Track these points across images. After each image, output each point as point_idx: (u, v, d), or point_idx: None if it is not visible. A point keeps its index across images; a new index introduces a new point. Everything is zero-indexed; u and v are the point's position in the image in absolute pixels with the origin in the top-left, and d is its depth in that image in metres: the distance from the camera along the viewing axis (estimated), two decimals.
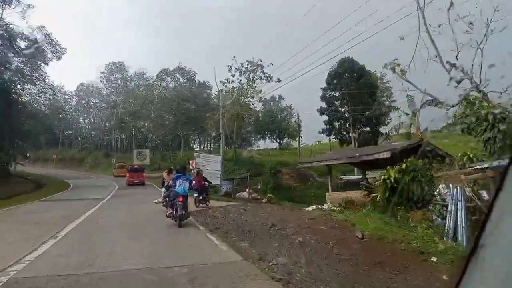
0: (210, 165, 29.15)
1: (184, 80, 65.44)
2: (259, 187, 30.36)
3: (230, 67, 45.41)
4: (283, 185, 37.97)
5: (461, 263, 0.83)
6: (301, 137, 60.89)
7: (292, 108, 76.34)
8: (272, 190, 33.08)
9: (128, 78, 77.42)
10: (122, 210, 15.49)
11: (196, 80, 65.74)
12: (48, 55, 35.18)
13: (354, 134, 47.77)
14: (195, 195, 17.65)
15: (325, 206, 15.67)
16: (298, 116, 59.19)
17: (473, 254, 0.74)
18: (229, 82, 46.56)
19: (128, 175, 37.70)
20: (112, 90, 79.77)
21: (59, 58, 36.66)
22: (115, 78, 77.99)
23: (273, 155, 57.03)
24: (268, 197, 28.63)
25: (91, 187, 30.55)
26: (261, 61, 45.42)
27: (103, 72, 76.21)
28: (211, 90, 66.01)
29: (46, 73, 40.02)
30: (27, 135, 41.73)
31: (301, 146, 77.88)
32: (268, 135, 78.00)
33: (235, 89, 45.49)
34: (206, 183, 19.28)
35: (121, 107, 75.36)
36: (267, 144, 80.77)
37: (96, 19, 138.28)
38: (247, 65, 45.31)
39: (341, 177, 42.16)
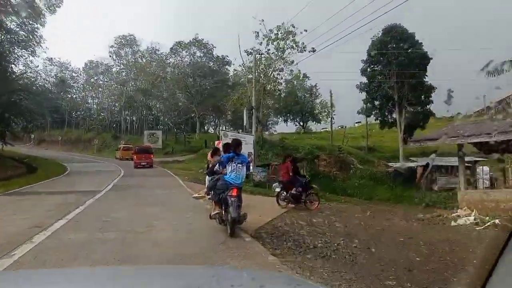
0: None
1: (201, 54, 58.80)
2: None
3: (257, 33, 38.66)
4: (321, 173, 31.59)
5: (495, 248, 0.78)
6: (333, 119, 53.90)
7: (317, 88, 69.56)
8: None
9: (140, 54, 70.96)
10: (121, 225, 7.79)
11: (214, 54, 59.00)
12: (40, 5, 28.68)
13: (398, 116, 40.75)
14: (277, 189, 13.21)
15: (471, 217, 9.01)
16: (331, 94, 52.16)
17: (509, 241, 0.72)
18: (256, 52, 39.87)
19: (135, 156, 33.65)
20: (122, 67, 73.50)
21: (53, 11, 30.28)
22: (125, 53, 71.56)
23: (300, 138, 50.52)
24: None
25: (90, 173, 24.48)
26: (293, 27, 38.52)
27: (112, 46, 69.82)
28: (230, 66, 59.32)
29: (42, 36, 33.67)
30: (23, 112, 35.97)
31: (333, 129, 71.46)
32: (291, 117, 71.52)
33: (263, 59, 38.71)
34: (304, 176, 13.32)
35: (131, 84, 69.23)
36: (288, 127, 74.21)
37: None
38: (277, 31, 38.47)
39: (390, 164, 35.52)
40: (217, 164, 8.20)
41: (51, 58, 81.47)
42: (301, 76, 67.61)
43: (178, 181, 19.34)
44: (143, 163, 32.51)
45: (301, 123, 71.60)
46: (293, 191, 11.73)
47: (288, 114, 70.00)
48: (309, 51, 37.53)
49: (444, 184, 30.14)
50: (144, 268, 2.77)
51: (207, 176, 10.56)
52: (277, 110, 64.90)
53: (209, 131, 78.60)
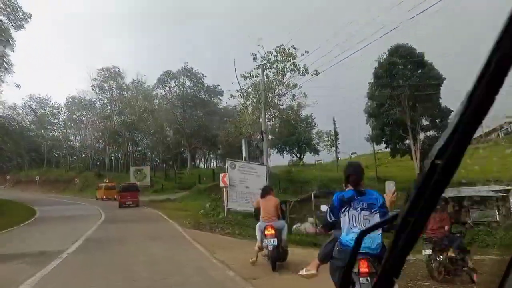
0: (250, 180, 18.37)
1: (191, 84, 55.10)
2: (322, 209, 19.38)
3: (255, 55, 35.20)
4: None
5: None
6: (338, 148, 50.09)
7: (313, 118, 66.38)
8: None
9: (124, 87, 67.05)
10: None
11: (205, 83, 55.36)
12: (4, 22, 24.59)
13: (412, 142, 37.05)
14: (427, 251, 7.33)
15: None
16: (334, 122, 48.62)
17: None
18: (266, 61, 36.19)
19: (119, 195, 30.98)
20: (106, 101, 69.26)
21: (19, 27, 26.20)
22: (109, 86, 67.50)
23: (301, 171, 46.33)
24: None
25: (62, 220, 19.50)
26: (294, 48, 35.21)
27: (95, 79, 65.75)
28: (222, 96, 55.65)
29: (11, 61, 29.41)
30: None
31: (318, 162, 67.46)
32: (287, 149, 67.68)
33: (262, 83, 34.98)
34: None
35: (116, 119, 64.74)
36: (282, 159, 70.03)
37: (89, 23, 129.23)
38: (277, 53, 35.08)
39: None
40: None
41: (30, 94, 77.48)
42: (295, 106, 64.24)
43: (176, 228, 14.65)
44: (129, 202, 29.97)
45: (298, 155, 67.62)
46: (450, 253, 6.84)
47: (284, 146, 66.28)
48: (311, 74, 34.18)
49: (478, 218, 26.04)
50: None
51: (257, 227, 8.06)
52: (271, 141, 60.92)
53: (199, 166, 73.91)
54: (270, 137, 42.85)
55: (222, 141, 53.91)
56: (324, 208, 18.86)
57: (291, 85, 35.30)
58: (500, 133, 44.57)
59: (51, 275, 7.07)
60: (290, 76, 35.88)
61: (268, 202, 7.99)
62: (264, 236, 7.62)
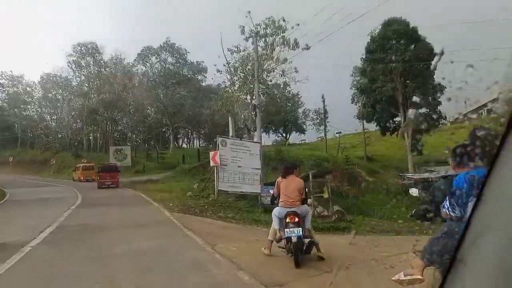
0: (243, 158, 16.82)
1: (173, 60, 52.59)
2: (325, 195, 17.94)
3: (243, 28, 33.11)
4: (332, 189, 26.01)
5: (440, 278, 0.75)
6: (327, 127, 48.85)
7: (300, 96, 64.89)
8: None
9: (103, 64, 63.74)
10: None
11: (188, 60, 52.92)
12: None
13: (403, 120, 36.01)
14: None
15: None
16: (323, 99, 47.22)
17: (450, 270, 0.68)
18: (256, 35, 34.23)
19: (98, 176, 29.33)
20: (83, 78, 65.90)
21: None
22: (86, 62, 64.13)
23: (289, 150, 44.94)
24: (337, 211, 16.91)
25: (34, 202, 17.58)
26: (284, 21, 33.26)
27: (71, 55, 62.29)
28: (206, 73, 53.41)
29: None
30: None
31: (313, 141, 66.35)
32: (273, 128, 66.15)
33: (251, 57, 33.12)
34: None
35: (94, 97, 61.70)
36: (265, 139, 68.54)
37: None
38: (266, 26, 33.08)
39: (409, 175, 30.30)
40: (448, 202, 2.44)
41: (1, 71, 73.37)
42: (282, 85, 62.65)
43: (162, 212, 12.93)
44: (108, 183, 28.51)
45: (284, 134, 66.29)
46: None
47: (269, 125, 64.74)
48: (302, 49, 32.49)
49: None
50: None
51: (275, 213, 6.61)
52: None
53: (182, 146, 71.81)
54: (251, 117, 41.21)
55: (207, 119, 52.08)
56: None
57: (281, 59, 33.58)
58: (483, 112, 44.06)
59: (4, 277, 5.40)
60: (280, 51, 34.21)
61: (290, 183, 6.48)
62: (284, 224, 6.13)
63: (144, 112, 56.55)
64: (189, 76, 52.84)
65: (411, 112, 35.61)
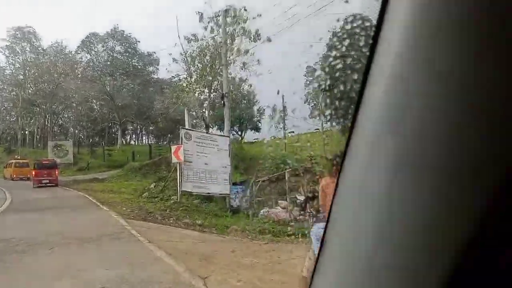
0: (210, 154, 14.61)
1: (122, 50, 48.60)
2: (299, 196, 16.10)
3: (201, 14, 30.65)
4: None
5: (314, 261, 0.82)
6: (285, 125, 47.20)
7: (255, 93, 63.29)
8: None
9: (41, 51, 57.89)
10: None
11: (138, 50, 49.14)
12: None
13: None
14: None
15: None
16: (283, 96, 45.55)
17: (326, 228, 0.72)
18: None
19: (33, 173, 25.90)
20: (18, 66, 59.50)
21: None
22: (22, 49, 57.93)
23: (250, 148, 43.06)
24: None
25: None
26: (246, 10, 31.27)
27: (4, 39, 55.90)
28: (158, 65, 49.96)
29: None
30: None
31: (256, 140, 64.91)
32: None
33: (210, 45, 30.73)
34: None
35: (30, 86, 55.88)
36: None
37: None
38: (225, 13, 30.84)
39: None
40: None
41: None
42: (238, 81, 60.70)
43: (116, 220, 10.27)
44: (45, 181, 25.20)
45: (240, 132, 64.33)
46: None
47: (222, 122, 62.54)
48: (264, 41, 30.73)
49: None
50: None
51: (315, 235, 4.35)
52: (211, 116, 56.65)
53: (130, 143, 67.33)
54: (209, 112, 38.69)
55: (159, 114, 48.79)
56: (237, 194, 15.66)
57: (243, 51, 31.57)
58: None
59: None
60: (241, 41, 32.23)
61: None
62: None
63: (88, 105, 51.83)
64: (139, 67, 49.08)
65: None
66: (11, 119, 63.55)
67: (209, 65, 31.38)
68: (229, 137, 15.99)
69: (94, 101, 54.25)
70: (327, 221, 0.74)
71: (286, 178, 14.94)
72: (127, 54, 48.55)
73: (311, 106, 46.94)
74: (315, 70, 37.73)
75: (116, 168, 37.64)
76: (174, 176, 16.13)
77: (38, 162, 26.84)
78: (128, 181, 28.05)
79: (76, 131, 64.12)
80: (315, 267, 0.80)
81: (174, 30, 48.01)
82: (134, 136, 74.11)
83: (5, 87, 62.56)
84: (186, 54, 30.67)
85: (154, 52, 48.53)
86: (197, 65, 31.76)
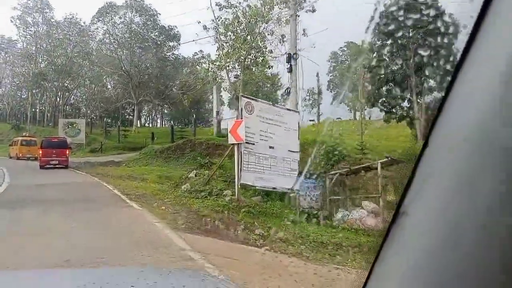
0: (276, 134, 10.59)
1: (141, 21, 44.52)
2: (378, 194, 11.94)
3: None
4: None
5: (383, 230, 0.79)
6: (320, 110, 43.41)
7: (279, 77, 58.95)
8: None
9: (54, 23, 54.08)
10: None
11: (158, 22, 44.97)
12: None
13: (416, 105, 31.10)
14: None
15: None
16: (318, 78, 41.55)
17: (394, 222, 0.70)
18: (231, 6, 27.58)
19: (41, 152, 21.90)
20: (30, 38, 55.82)
21: None
22: (34, 19, 54.22)
23: None
24: None
25: None
26: None
27: (15, 8, 52.19)
28: (179, 41, 45.82)
29: None
30: None
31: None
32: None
33: (248, 12, 26.48)
34: None
35: (42, 59, 52.34)
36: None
37: None
38: None
39: None
40: None
41: None
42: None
43: (159, 230, 6.35)
44: (54, 162, 21.69)
45: None
46: None
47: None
48: (306, 11, 26.42)
49: None
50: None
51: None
52: (232, 101, 52.46)
53: (145, 125, 63.66)
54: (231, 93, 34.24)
55: (177, 94, 44.89)
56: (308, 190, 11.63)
57: (283, 20, 27.28)
58: None
59: None
60: (280, 10, 27.99)
61: None
62: None
63: (102, 81, 48.19)
64: (159, 42, 45.00)
65: (428, 97, 30.86)
66: (22, 96, 60.44)
67: (243, 35, 27.23)
68: (299, 113, 11.99)
69: (109, 78, 50.69)
70: (395, 214, 0.68)
71: (378, 170, 10.85)
72: (146, 27, 44.45)
73: (333, 95, 41.93)
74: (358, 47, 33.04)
75: (132, 151, 34.01)
76: (217, 162, 12.26)
77: (46, 140, 23.18)
78: (147, 166, 24.39)
79: (89, 111, 60.71)
80: (374, 260, 0.73)
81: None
82: (149, 118, 70.57)
83: (16, 61, 59.32)
84: (219, 20, 26.56)
85: (175, 26, 44.41)
86: (230, 35, 27.65)
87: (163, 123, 68.17)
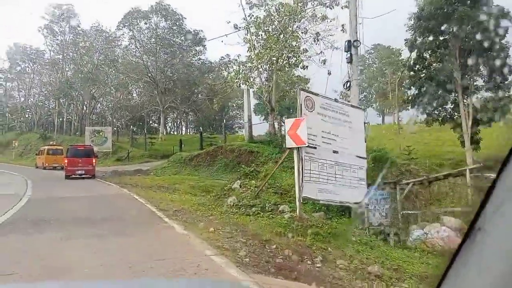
0: (340, 136, 8.70)
1: (167, 25, 43.59)
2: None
3: None
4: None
5: (454, 247, 0.74)
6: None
7: (308, 79, 56.93)
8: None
9: (80, 31, 54.03)
10: None
11: (184, 27, 43.92)
12: None
13: (462, 105, 28.50)
14: None
15: None
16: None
17: (468, 237, 0.66)
18: (262, 5, 25.94)
19: (66, 161, 20.67)
20: (57, 47, 56.00)
21: None
22: (60, 28, 54.34)
23: None
24: None
25: None
26: None
27: (43, 17, 52.45)
28: (205, 45, 44.66)
29: None
30: None
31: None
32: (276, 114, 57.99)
33: (281, 8, 24.78)
34: None
35: (68, 68, 52.27)
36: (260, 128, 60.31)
37: None
38: None
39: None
40: None
41: None
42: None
43: (212, 262, 4.69)
44: (80, 172, 20.37)
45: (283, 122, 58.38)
46: None
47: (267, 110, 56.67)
48: (342, 7, 24.53)
49: None
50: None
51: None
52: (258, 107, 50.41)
53: (171, 131, 62.81)
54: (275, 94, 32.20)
55: (203, 100, 43.63)
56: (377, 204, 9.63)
57: (319, 17, 25.57)
58: None
59: None
60: (313, 7, 26.32)
61: None
62: None
63: (128, 89, 47.51)
64: (184, 47, 43.93)
65: (475, 97, 28.22)
66: (49, 106, 60.76)
67: (276, 34, 25.60)
68: (364, 110, 10.13)
69: (134, 85, 50.07)
70: (469, 230, 0.64)
71: (467, 179, 8.82)
72: (172, 32, 43.50)
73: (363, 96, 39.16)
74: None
75: (159, 159, 32.84)
76: (263, 171, 10.51)
77: (72, 148, 22.02)
78: (177, 174, 23.02)
79: (114, 120, 60.38)
80: (448, 267, 0.68)
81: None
82: (174, 125, 69.70)
83: (43, 71, 59.78)
84: (250, 18, 24.99)
85: (201, 30, 43.29)
86: (261, 35, 26.06)
87: (188, 130, 67.18)
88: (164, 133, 51.63)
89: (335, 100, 9.12)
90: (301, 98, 8.08)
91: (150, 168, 26.63)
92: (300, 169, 7.71)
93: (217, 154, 24.99)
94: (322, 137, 8.25)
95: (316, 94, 8.60)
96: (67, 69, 53.77)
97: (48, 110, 60.93)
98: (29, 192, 12.99)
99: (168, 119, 62.78)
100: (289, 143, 7.89)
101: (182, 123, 69.50)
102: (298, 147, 7.75)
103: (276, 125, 29.05)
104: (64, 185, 16.96)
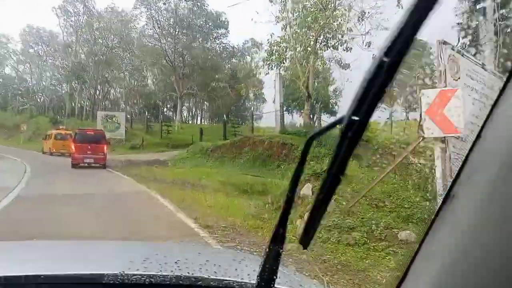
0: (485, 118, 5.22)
1: (187, 6, 40.48)
2: None
3: None
4: None
5: (433, 212, 0.76)
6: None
7: (331, 71, 53.67)
8: None
9: (95, 13, 51.36)
10: None
11: (205, 8, 40.79)
12: None
13: None
14: None
15: None
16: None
17: (443, 206, 0.67)
18: None
19: (74, 147, 17.80)
20: (71, 28, 53.45)
21: None
22: (75, 9, 51.67)
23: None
24: None
25: None
26: None
27: None
28: (227, 28, 41.57)
29: None
30: None
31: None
32: (296, 108, 55.01)
33: None
34: None
35: (83, 52, 49.72)
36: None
37: None
38: None
39: None
40: None
41: None
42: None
43: None
44: (89, 160, 17.70)
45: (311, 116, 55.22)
46: None
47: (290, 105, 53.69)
48: None
49: None
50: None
51: None
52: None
53: (187, 120, 59.90)
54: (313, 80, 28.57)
55: (222, 88, 40.59)
56: None
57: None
58: None
59: None
60: None
61: None
62: None
63: (143, 74, 44.76)
64: (205, 29, 40.84)
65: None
66: (62, 90, 58.53)
67: (315, 11, 22.31)
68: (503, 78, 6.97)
69: (149, 71, 47.43)
70: (445, 199, 0.65)
71: None
72: (193, 13, 40.39)
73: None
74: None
75: (176, 148, 29.94)
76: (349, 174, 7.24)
77: (80, 132, 19.22)
78: (198, 167, 20.04)
79: (128, 106, 57.82)
80: (415, 252, 0.70)
81: None
82: (189, 114, 66.95)
83: (56, 53, 57.47)
84: None
85: (224, 12, 40.11)
86: (299, 12, 22.85)
87: (202, 120, 64.41)
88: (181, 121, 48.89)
89: (483, 66, 5.89)
90: (443, 55, 4.89)
91: (168, 158, 23.80)
92: (447, 172, 4.56)
93: (244, 146, 21.94)
94: (471, 122, 5.07)
95: (461, 53, 5.38)
96: (80, 51, 51.26)
97: (61, 94, 58.75)
98: (22, 184, 10.14)
99: (184, 107, 60.08)
100: (431, 129, 4.74)
101: (198, 112, 66.77)
102: (445, 137, 4.60)
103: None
104: (69, 176, 14.15)
